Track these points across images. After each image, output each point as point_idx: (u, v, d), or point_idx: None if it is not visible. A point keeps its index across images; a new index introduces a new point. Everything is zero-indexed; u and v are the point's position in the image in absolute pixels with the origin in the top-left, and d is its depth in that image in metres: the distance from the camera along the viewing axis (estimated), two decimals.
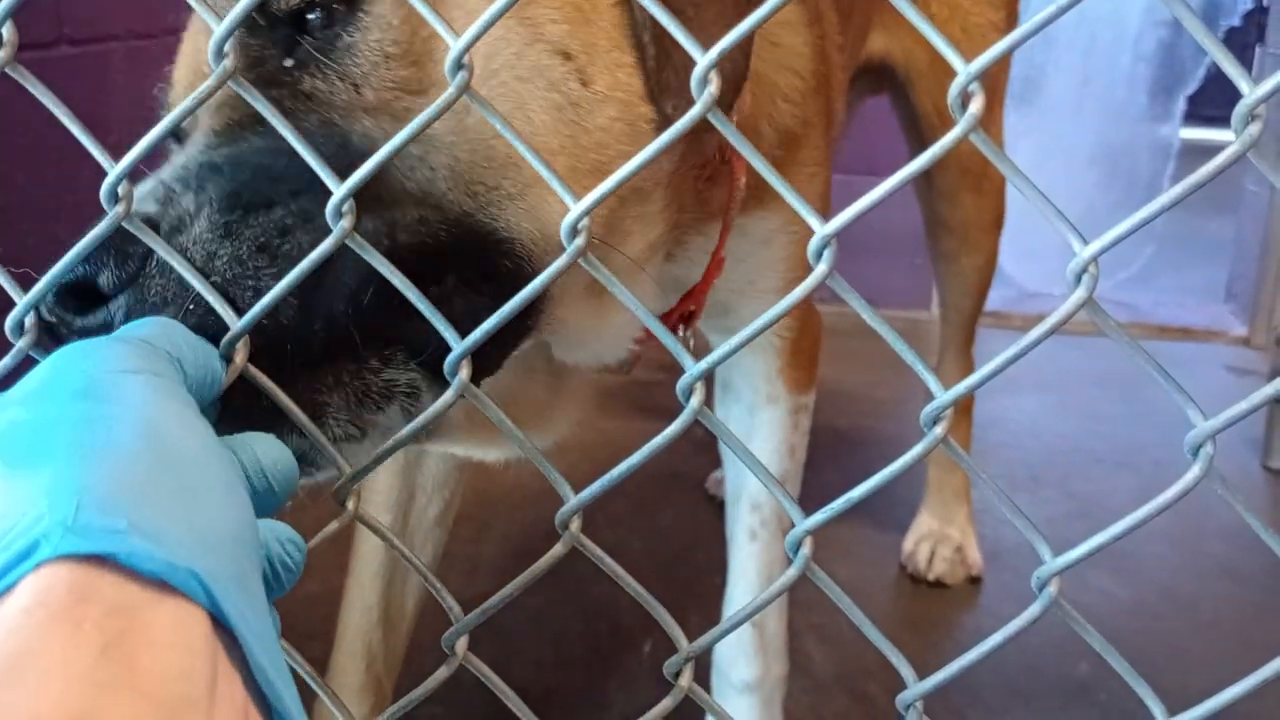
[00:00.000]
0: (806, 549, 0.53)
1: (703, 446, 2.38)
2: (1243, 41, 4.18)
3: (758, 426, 1.21)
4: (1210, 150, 0.48)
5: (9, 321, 0.59)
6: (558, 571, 1.63)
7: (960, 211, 1.83)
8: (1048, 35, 3.18)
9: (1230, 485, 0.48)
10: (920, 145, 1.78)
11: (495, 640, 1.69)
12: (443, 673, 0.57)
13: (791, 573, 0.53)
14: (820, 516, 0.53)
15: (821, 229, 0.50)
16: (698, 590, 1.83)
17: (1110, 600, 1.89)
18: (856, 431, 2.48)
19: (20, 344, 0.59)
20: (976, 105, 0.47)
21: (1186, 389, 0.49)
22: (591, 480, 0.54)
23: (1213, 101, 4.35)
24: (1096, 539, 0.51)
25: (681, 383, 0.53)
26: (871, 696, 1.65)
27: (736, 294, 1.09)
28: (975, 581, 1.96)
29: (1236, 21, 3.33)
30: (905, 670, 0.55)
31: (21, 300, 0.58)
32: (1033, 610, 0.51)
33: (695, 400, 0.53)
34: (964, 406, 2.00)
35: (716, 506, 2.19)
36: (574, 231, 0.52)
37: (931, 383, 0.51)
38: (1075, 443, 2.50)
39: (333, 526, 0.58)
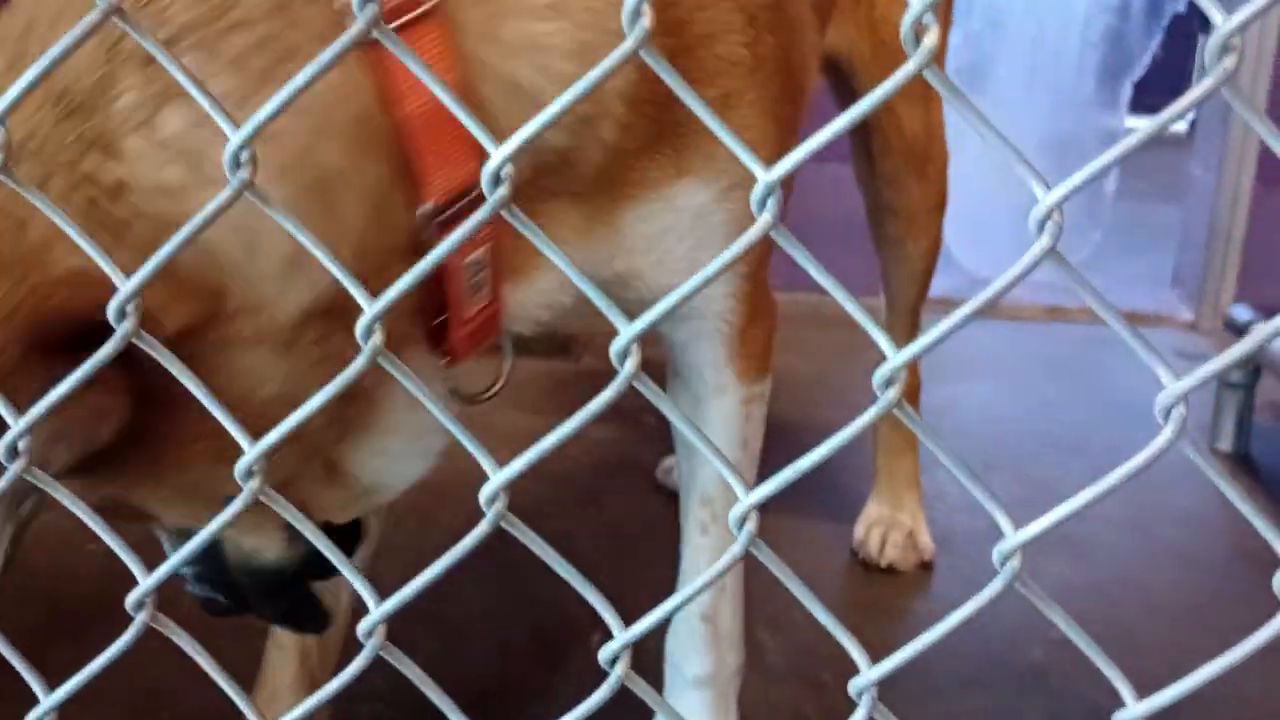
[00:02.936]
0: (751, 525, 0.49)
1: (652, 436, 2.35)
2: (1186, 30, 4.22)
3: (706, 418, 1.15)
4: (1158, 140, 0.45)
5: None
6: (502, 565, 1.58)
7: (905, 196, 1.82)
8: (996, 22, 3.17)
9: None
10: (863, 133, 1.76)
11: (438, 634, 1.64)
12: (358, 665, 0.53)
13: (735, 549, 0.49)
14: (766, 488, 0.49)
15: (765, 175, 0.46)
16: (647, 581, 1.78)
17: (1065, 585, 1.87)
18: (807, 420, 2.45)
19: None
20: (931, 39, 0.43)
21: (1136, 374, 0.45)
22: (537, 466, 0.50)
23: (1156, 90, 4.38)
24: (1059, 510, 0.48)
25: (615, 345, 0.49)
26: (824, 684, 1.62)
27: (682, 276, 1.03)
28: (927, 567, 1.94)
29: (1181, 8, 3.34)
30: (858, 655, 0.51)
31: None
32: (994, 586, 0.48)
33: (630, 364, 0.49)
34: (911, 393, 1.98)
35: (665, 496, 2.15)
36: (496, 179, 0.47)
37: (883, 342, 0.48)
38: (1028, 428, 2.49)
39: None
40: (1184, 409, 0.45)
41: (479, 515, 0.51)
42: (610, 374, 0.49)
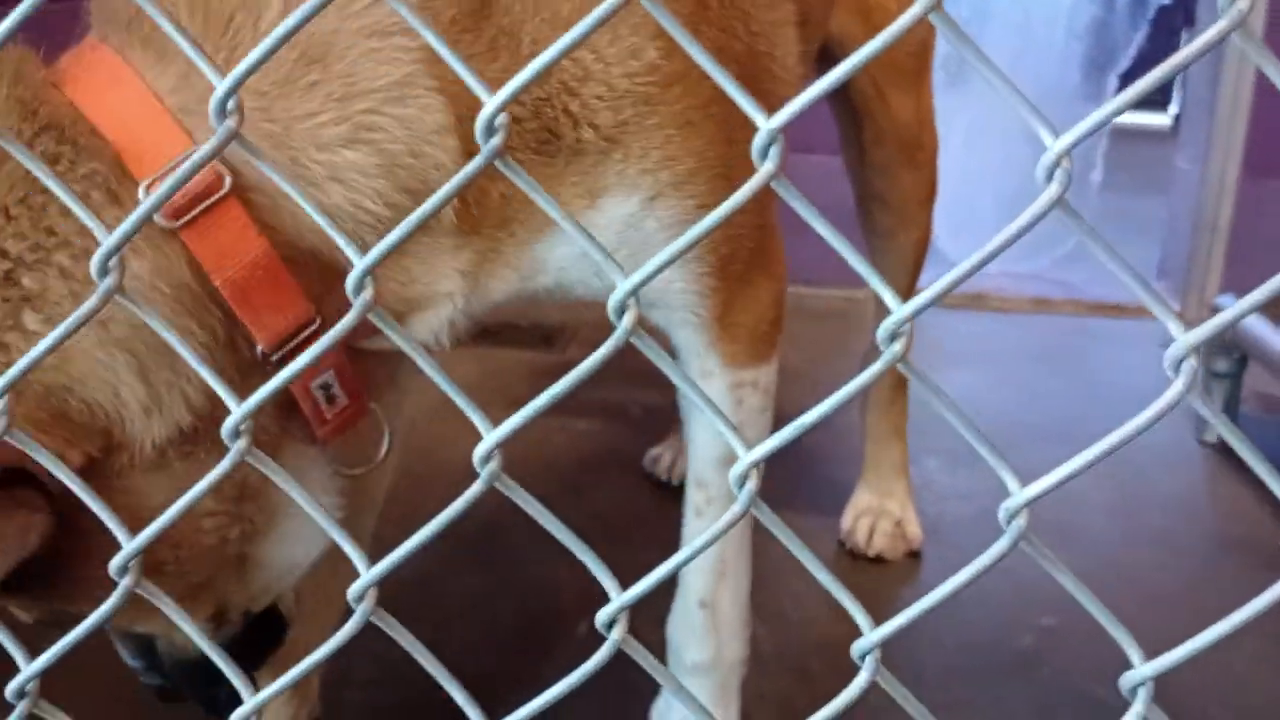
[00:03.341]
0: (753, 483, 0.48)
1: (638, 428, 2.34)
2: (1172, 23, 4.22)
3: (692, 406, 1.15)
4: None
5: None
6: (493, 553, 1.56)
7: (897, 187, 1.81)
8: (982, 12, 3.17)
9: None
10: (853, 120, 1.75)
11: (428, 622, 1.62)
12: (349, 629, 0.51)
13: (736, 508, 0.48)
14: (768, 445, 0.48)
15: (767, 123, 0.45)
16: (635, 569, 1.77)
17: (1051, 573, 1.86)
18: (796, 411, 2.44)
19: None
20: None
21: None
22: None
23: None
24: (1068, 465, 0.46)
25: (612, 300, 0.47)
26: (813, 673, 1.61)
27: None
28: (915, 556, 1.94)
29: (1167, 1, 3.34)
30: (861, 618, 0.50)
31: None
32: (1001, 544, 0.47)
33: (627, 319, 0.47)
34: (900, 382, 1.97)
35: (653, 486, 2.14)
36: (490, 129, 0.46)
37: (887, 296, 0.47)
38: (1014, 418, 2.49)
39: None
40: (1195, 361, 0.44)
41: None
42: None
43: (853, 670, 1.64)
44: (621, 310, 0.47)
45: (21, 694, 0.55)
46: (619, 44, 0.90)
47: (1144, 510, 2.08)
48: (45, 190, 0.74)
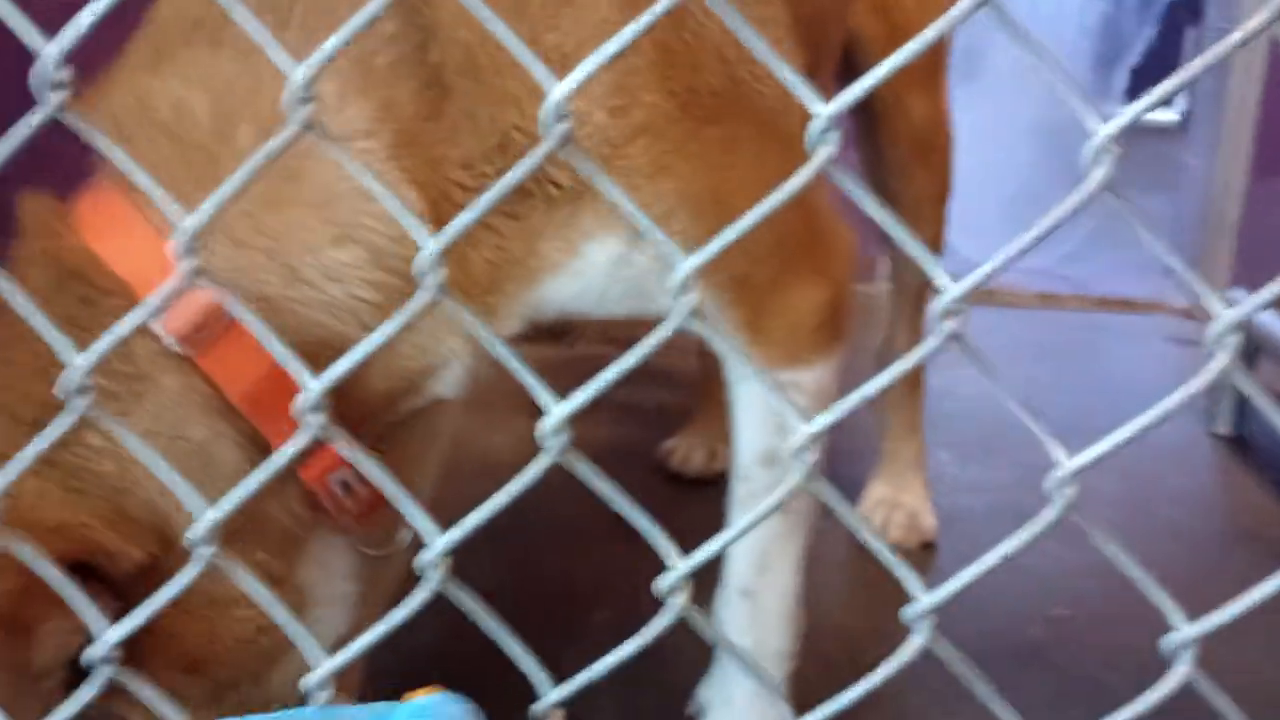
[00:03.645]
0: (811, 456, 0.50)
1: (652, 422, 2.35)
2: (1181, 20, 4.24)
3: (735, 401, 1.15)
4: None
5: None
6: (509, 540, 1.57)
7: (912, 186, 1.82)
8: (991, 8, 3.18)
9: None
10: (868, 119, 1.77)
11: (445, 609, 1.63)
12: (420, 598, 0.54)
13: (796, 480, 0.50)
14: (828, 417, 0.50)
15: (824, 109, 0.47)
16: (650, 556, 1.79)
17: (1061, 564, 1.87)
18: None
19: None
20: None
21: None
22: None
23: (1151, 79, 4.39)
24: (1112, 438, 0.48)
25: (673, 281, 0.49)
26: (831, 658, 1.62)
27: (624, 307, 1.04)
28: (929, 547, 1.95)
29: None
30: (914, 583, 0.52)
31: None
32: (1050, 514, 0.49)
33: (689, 299, 0.49)
34: (915, 376, 1.99)
35: (667, 477, 2.15)
36: (558, 115, 0.48)
37: (940, 276, 0.49)
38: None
39: None
40: (1237, 339, 0.46)
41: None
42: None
43: (866, 655, 1.65)
44: (684, 288, 0.49)
45: None
46: None
47: (1154, 502, 2.09)
48: (85, 328, 0.81)
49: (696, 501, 2.04)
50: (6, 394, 0.85)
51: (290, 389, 0.83)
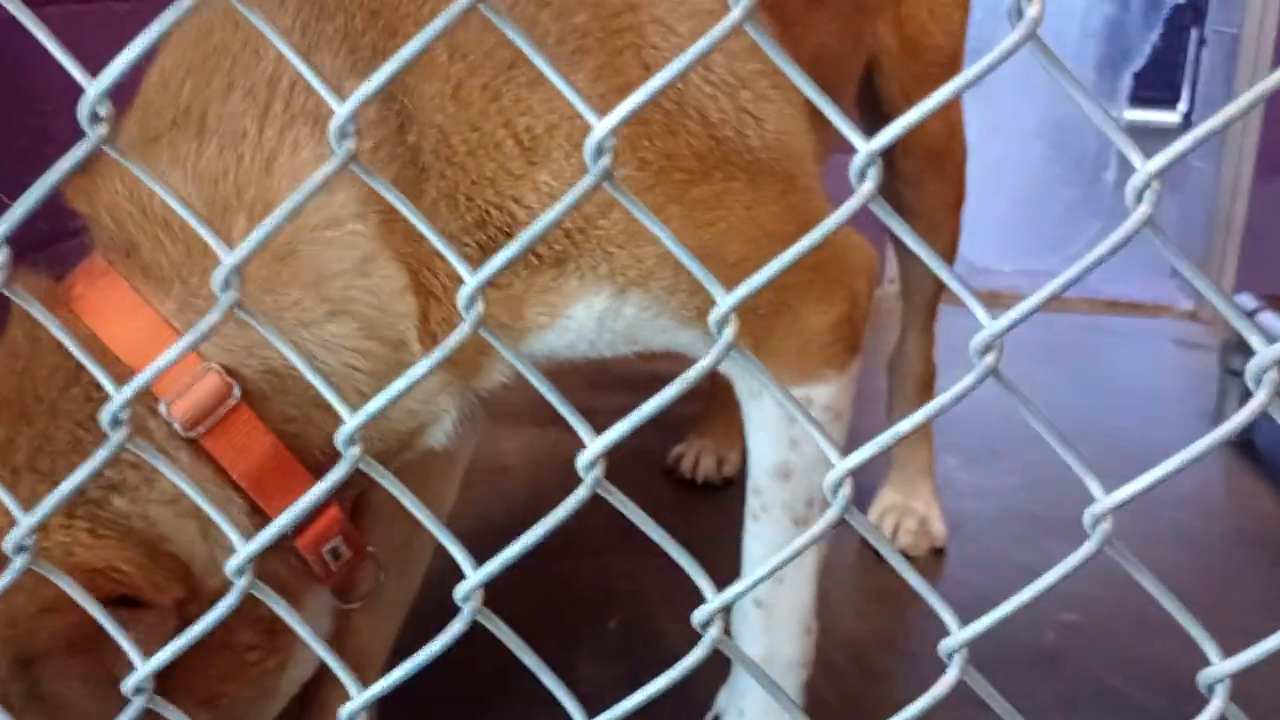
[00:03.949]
0: (847, 489, 0.50)
1: (661, 427, 2.35)
2: (1179, 24, 4.24)
3: (748, 419, 1.17)
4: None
5: None
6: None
7: (925, 196, 1.83)
8: (995, 11, 3.18)
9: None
10: (883, 128, 1.78)
11: (452, 618, 1.64)
12: (457, 628, 0.54)
13: (832, 514, 0.50)
14: (861, 454, 0.50)
15: (865, 146, 0.47)
16: (659, 565, 1.79)
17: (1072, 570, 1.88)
18: None
19: None
20: (1035, 9, 0.44)
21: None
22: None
23: (1154, 82, 4.41)
24: (1151, 474, 0.49)
25: (714, 315, 0.50)
26: (840, 667, 1.63)
27: (628, 347, 1.09)
28: (939, 553, 1.96)
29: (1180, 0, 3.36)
30: (948, 617, 0.52)
31: None
32: (1087, 547, 0.49)
33: (728, 333, 0.50)
34: (927, 382, 2.00)
35: (676, 484, 2.16)
36: (599, 150, 0.48)
37: (980, 312, 0.49)
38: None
39: None
40: (1276, 374, 0.46)
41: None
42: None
43: (874, 663, 1.65)
44: (723, 323, 0.49)
45: None
46: (538, 192, 0.97)
47: (1162, 507, 2.10)
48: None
49: (706, 508, 2.05)
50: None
51: (288, 467, 0.92)
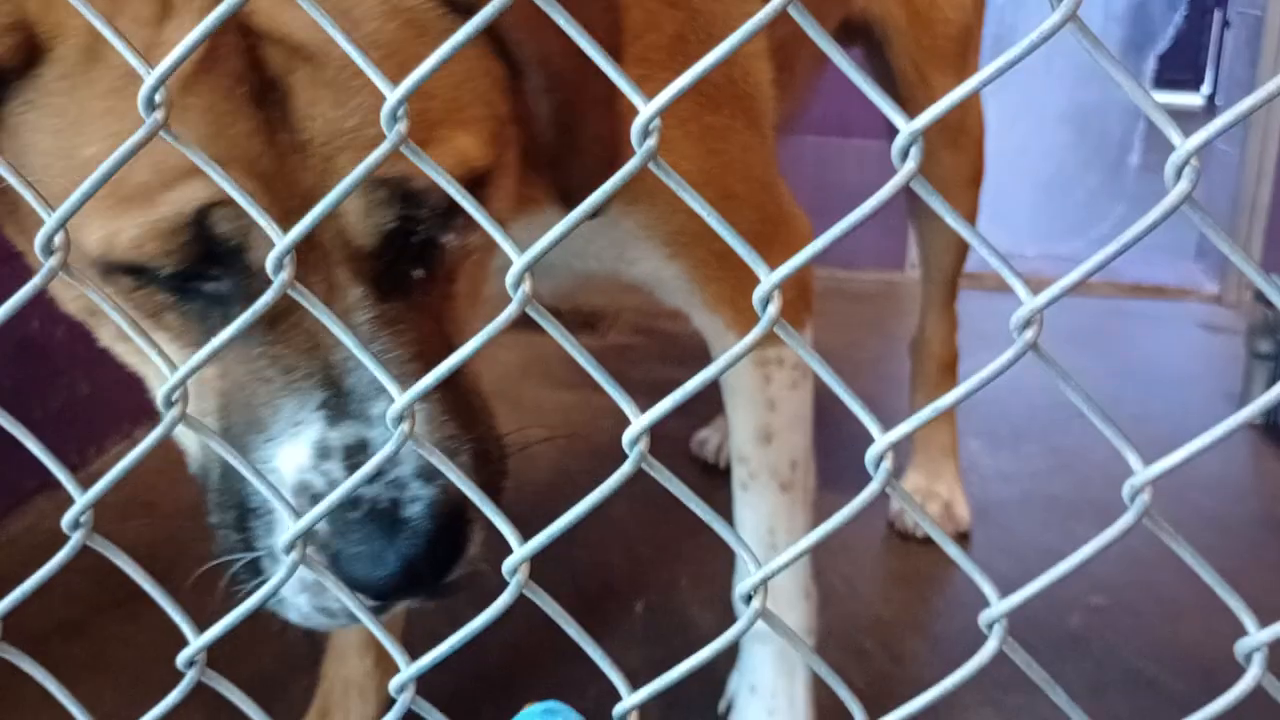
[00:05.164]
0: (888, 463, 0.51)
1: (685, 410, 2.34)
2: (1202, 6, 4.21)
3: (724, 384, 1.22)
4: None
5: None
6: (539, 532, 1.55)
7: (939, 169, 1.82)
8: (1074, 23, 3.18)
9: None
10: (895, 101, 1.78)
11: (483, 601, 1.64)
12: (503, 601, 0.55)
13: (874, 487, 0.51)
14: (903, 428, 0.51)
15: (907, 126, 0.48)
16: (684, 549, 1.81)
17: (1099, 553, 1.88)
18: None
19: None
20: None
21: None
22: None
23: (1178, 65, 4.38)
24: (1188, 447, 0.49)
25: (757, 293, 0.50)
26: (867, 651, 1.64)
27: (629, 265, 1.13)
28: (964, 537, 1.96)
29: None
30: (989, 590, 0.53)
31: None
32: (1126, 519, 0.50)
33: (772, 308, 0.50)
34: (949, 364, 2.00)
35: (699, 467, 2.17)
36: (645, 132, 0.49)
37: (1019, 288, 0.50)
38: (1054, 398, 2.48)
39: None
40: None
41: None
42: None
43: (901, 647, 1.65)
44: (766, 301, 0.50)
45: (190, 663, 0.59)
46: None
47: (1189, 491, 2.10)
48: None
49: (728, 492, 2.06)
50: None
51: None
